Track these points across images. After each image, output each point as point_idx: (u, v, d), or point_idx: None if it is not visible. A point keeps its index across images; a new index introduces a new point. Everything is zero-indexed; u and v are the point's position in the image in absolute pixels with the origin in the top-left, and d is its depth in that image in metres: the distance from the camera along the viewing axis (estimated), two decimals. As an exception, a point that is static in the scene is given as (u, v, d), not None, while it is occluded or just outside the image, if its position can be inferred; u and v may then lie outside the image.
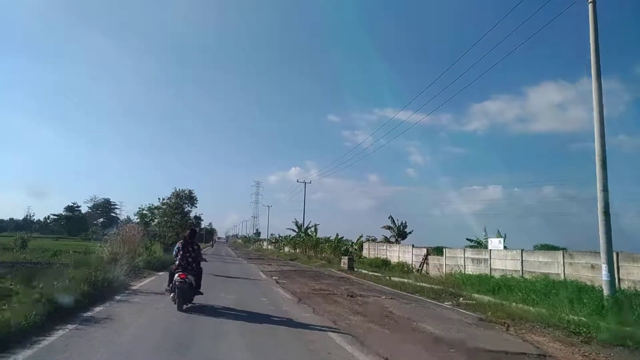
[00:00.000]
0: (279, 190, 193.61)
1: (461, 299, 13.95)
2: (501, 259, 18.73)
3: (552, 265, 15.89)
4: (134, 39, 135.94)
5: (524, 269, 17.09)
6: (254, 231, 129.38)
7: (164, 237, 28.96)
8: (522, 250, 17.80)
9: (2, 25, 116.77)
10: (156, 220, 29.74)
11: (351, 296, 12.95)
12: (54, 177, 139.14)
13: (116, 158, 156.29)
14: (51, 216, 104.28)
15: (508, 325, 9.28)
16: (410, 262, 26.36)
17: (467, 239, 28.60)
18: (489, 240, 21.80)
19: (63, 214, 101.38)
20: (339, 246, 36.97)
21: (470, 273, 19.27)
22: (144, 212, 28.54)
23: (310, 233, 48.24)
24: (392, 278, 21.02)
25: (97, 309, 7.89)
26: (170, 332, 6.59)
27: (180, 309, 8.22)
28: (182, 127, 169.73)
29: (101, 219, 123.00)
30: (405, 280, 20.16)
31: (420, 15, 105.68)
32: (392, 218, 34.63)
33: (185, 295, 8.42)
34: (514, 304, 12.21)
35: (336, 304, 11.14)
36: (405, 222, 34.39)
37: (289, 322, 8.07)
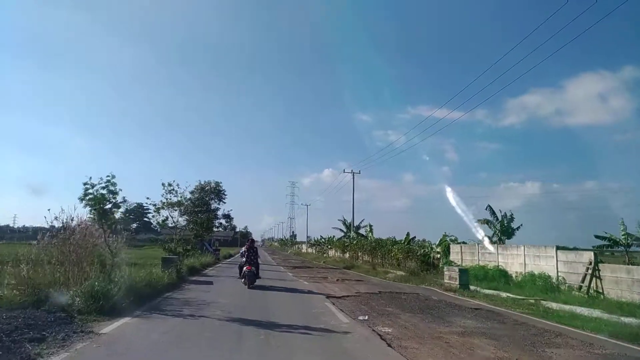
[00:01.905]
0: (313, 193, 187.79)
1: None
2: None
3: None
4: (168, 49, 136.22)
5: None
6: (290, 233, 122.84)
7: (180, 243, 20.60)
8: None
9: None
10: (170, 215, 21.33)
11: None
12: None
13: (148, 163, 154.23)
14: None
15: None
16: (554, 274, 16.42)
17: (597, 236, 18.80)
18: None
19: (94, 217, 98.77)
20: (412, 249, 27.37)
21: None
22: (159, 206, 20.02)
23: (365, 233, 38.73)
24: (549, 305, 11.36)
25: None
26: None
27: (249, 287, 13.47)
28: (216, 130, 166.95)
29: (134, 224, 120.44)
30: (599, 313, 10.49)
31: (451, 12, 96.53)
32: (491, 209, 24.75)
33: (252, 278, 13.77)
34: None
35: None
36: (512, 215, 24.35)
37: None
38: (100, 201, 8.68)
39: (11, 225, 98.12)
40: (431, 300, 12.60)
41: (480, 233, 23.91)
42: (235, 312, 8.67)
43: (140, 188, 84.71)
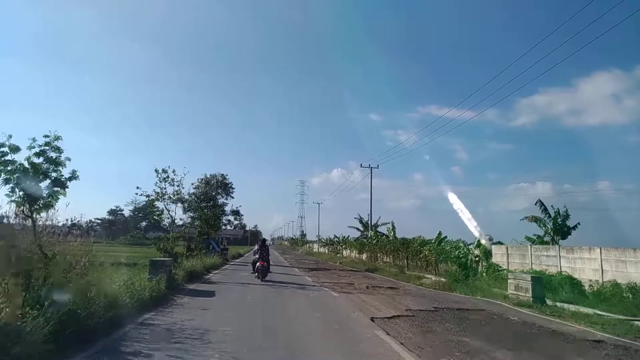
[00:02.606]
0: (322, 192, 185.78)
1: None
2: None
3: None
4: (178, 48, 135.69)
5: None
6: (300, 232, 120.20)
7: (179, 241, 17.51)
8: None
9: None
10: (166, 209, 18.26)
11: None
12: (97, 179, 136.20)
13: (156, 161, 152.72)
14: (94, 220, 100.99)
15: None
16: (650, 284, 12.81)
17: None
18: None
19: (106, 217, 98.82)
20: (444, 251, 23.83)
21: None
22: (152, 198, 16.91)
23: (386, 232, 35.26)
24: None
25: None
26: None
27: (261, 280, 15.19)
28: (226, 129, 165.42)
29: (144, 223, 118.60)
30: None
31: (461, 12, 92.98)
32: (541, 204, 21.08)
33: (264, 273, 15.58)
34: None
35: None
36: (567, 211, 20.66)
37: None
38: (26, 173, 5.37)
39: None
40: (513, 323, 9.15)
41: (484, 236, 21.03)
42: (242, 354, 5.37)
43: (146, 186, 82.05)
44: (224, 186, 32.31)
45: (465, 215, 19.95)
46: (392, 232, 34.21)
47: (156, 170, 15.26)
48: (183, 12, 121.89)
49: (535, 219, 21.09)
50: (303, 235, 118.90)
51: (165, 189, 15.23)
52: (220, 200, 32.43)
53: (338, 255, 53.93)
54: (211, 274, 17.66)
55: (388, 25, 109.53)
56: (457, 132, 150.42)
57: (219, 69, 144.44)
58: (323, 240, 68.90)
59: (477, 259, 22.43)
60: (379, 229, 41.95)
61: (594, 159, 52.53)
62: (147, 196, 15.22)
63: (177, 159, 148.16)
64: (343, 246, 53.32)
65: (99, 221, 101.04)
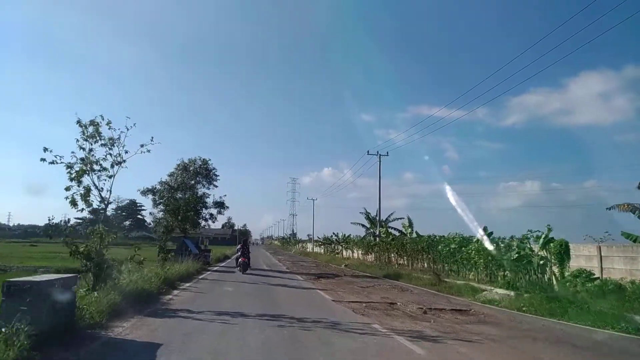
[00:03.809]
0: (313, 192, 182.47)
1: None
2: None
3: None
4: (171, 47, 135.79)
5: None
6: (291, 232, 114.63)
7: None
8: None
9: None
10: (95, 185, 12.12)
11: None
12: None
13: (148, 164, 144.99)
14: (73, 219, 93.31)
15: None
16: None
17: None
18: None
19: (87, 216, 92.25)
20: (487, 253, 18.04)
21: None
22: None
23: (402, 229, 29.32)
24: None
25: None
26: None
27: (243, 273, 18.23)
28: (217, 128, 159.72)
29: (127, 222, 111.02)
30: None
31: (455, 10, 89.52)
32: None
33: (245, 267, 18.60)
34: None
35: None
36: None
37: None
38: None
39: (5, 223, 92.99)
40: None
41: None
42: None
43: (135, 187, 75.27)
44: (205, 173, 25.95)
45: (460, 207, 18.52)
46: (409, 229, 28.28)
47: (80, 123, 9.02)
48: (177, 9, 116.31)
49: (632, 209, 15.40)
50: (294, 234, 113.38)
51: (93, 151, 8.99)
52: (201, 190, 26.21)
53: (337, 255, 48.09)
54: (178, 290, 11.58)
55: (383, 25, 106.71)
56: (448, 131, 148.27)
57: (208, 65, 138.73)
58: (319, 239, 62.89)
59: (542, 261, 16.73)
60: (389, 226, 36.25)
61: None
62: (68, 166, 8.96)
63: (164, 157, 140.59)
64: (343, 246, 47.40)
65: (79, 221, 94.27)
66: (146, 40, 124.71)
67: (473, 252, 18.56)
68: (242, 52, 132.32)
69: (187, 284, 13.33)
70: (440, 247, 22.06)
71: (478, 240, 20.04)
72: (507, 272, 17.09)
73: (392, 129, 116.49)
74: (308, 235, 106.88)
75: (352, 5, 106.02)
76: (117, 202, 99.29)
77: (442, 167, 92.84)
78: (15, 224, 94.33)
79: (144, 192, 25.07)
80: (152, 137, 9.82)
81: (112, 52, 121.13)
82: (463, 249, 19.75)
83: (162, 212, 24.47)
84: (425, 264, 24.59)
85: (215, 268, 21.60)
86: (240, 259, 18.81)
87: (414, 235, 27.69)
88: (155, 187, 24.83)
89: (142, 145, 9.55)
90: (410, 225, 28.43)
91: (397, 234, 29.91)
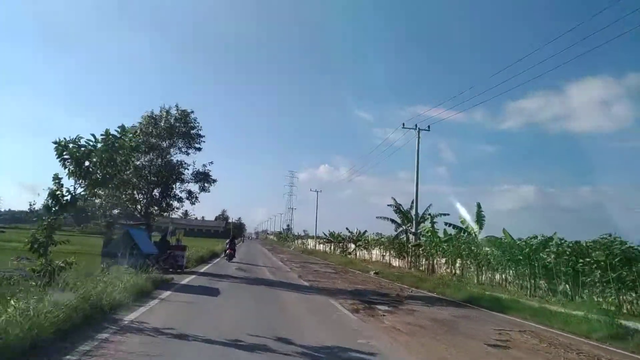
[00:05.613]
0: (309, 187, 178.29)
1: None
2: None
3: None
4: (178, 39, 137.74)
5: None
6: (286, 226, 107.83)
7: None
8: None
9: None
10: None
11: None
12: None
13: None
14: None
15: None
16: None
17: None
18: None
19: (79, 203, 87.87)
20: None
21: None
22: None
23: (463, 226, 20.84)
24: None
25: None
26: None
27: (229, 261, 22.60)
28: (214, 123, 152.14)
29: (116, 210, 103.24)
30: None
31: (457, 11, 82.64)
32: None
33: (231, 257, 23.09)
34: None
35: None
36: None
37: None
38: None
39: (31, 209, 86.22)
40: None
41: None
42: None
43: None
44: (185, 132, 17.26)
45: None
46: (479, 227, 19.74)
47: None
48: (186, 2, 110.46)
49: None
50: (289, 229, 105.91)
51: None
52: (177, 157, 17.65)
53: (350, 256, 39.84)
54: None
55: (383, 25, 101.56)
56: (446, 133, 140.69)
57: (206, 63, 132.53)
58: (325, 235, 54.50)
59: None
60: (423, 223, 27.98)
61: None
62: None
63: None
64: (359, 244, 39.04)
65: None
66: (156, 30, 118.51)
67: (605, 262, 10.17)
68: (244, 47, 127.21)
69: (88, 343, 4.87)
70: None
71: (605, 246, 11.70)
72: None
73: (389, 127, 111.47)
74: (304, 230, 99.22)
75: (351, 9, 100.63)
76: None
77: (436, 168, 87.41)
78: (7, 209, 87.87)
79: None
80: None
81: (121, 41, 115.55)
82: (593, 254, 11.43)
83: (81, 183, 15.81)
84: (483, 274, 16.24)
85: (189, 278, 13.07)
86: (227, 250, 23.69)
87: (482, 235, 19.27)
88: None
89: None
90: (480, 217, 19.81)
91: (449, 233, 21.53)
